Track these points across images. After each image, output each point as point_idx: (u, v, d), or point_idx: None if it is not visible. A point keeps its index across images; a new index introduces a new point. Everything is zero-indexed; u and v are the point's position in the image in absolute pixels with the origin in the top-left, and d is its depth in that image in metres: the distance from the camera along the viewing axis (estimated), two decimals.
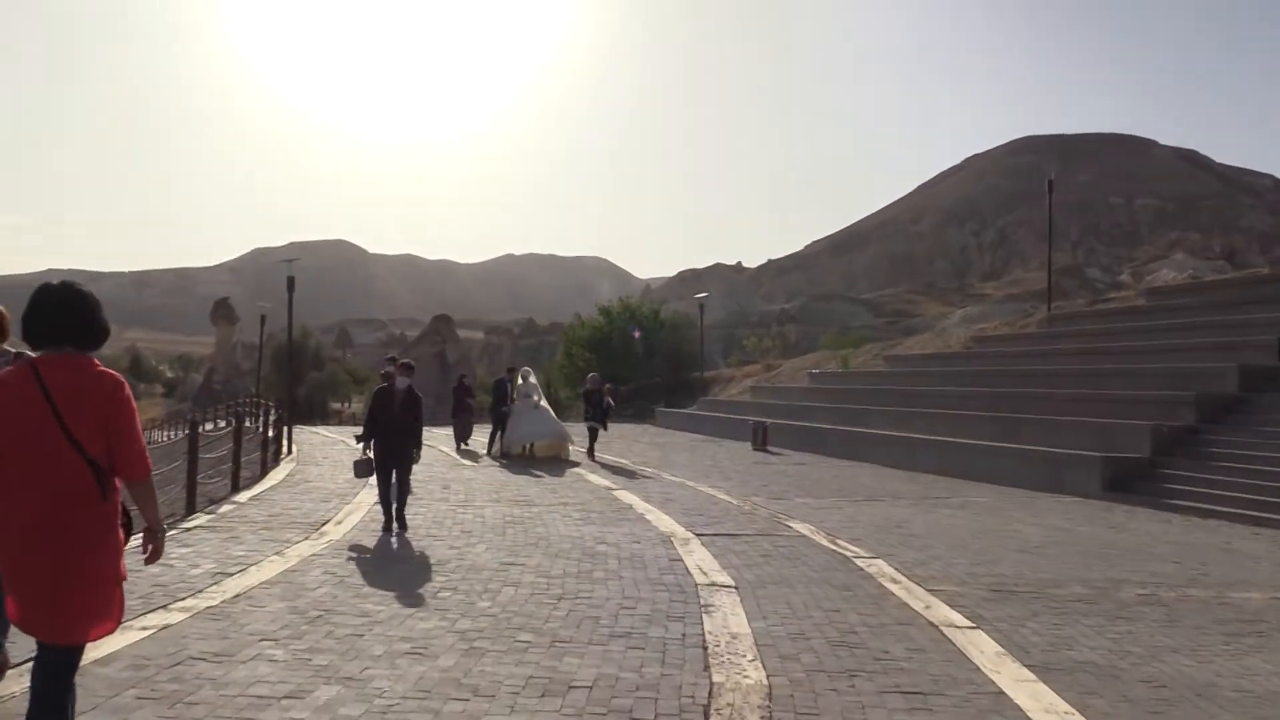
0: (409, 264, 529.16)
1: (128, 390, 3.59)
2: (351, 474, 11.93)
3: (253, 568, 8.04)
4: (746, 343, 54.81)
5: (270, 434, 18.28)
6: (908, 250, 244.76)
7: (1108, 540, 10.86)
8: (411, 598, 7.13)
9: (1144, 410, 16.96)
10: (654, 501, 13.33)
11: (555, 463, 18.72)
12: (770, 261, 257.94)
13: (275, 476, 15.49)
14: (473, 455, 20.29)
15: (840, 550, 9.60)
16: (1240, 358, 17.63)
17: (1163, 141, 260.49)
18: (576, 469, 17.68)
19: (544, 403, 20.79)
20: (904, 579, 8.19)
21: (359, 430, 11.50)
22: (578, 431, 22.10)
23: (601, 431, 20.84)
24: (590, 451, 20.25)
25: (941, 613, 7.02)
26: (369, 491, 13.20)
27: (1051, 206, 27.53)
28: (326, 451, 20.79)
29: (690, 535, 10.30)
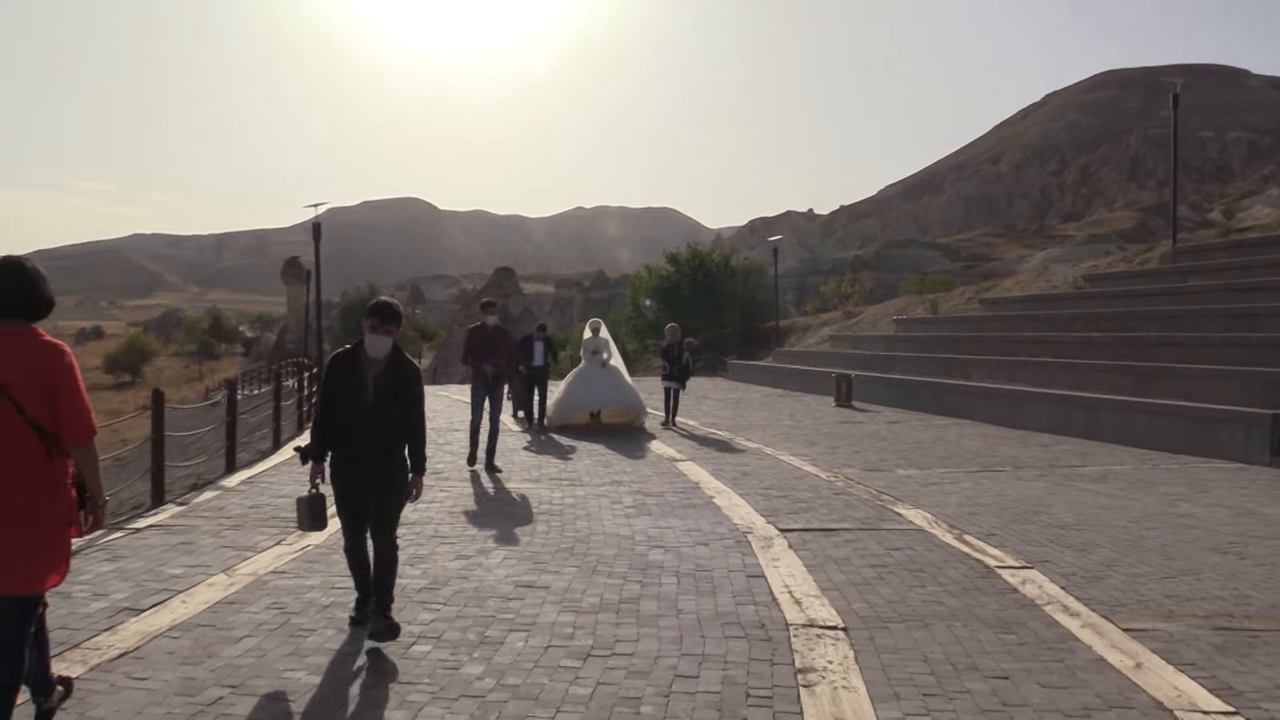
0: (480, 219, 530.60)
1: (70, 358, 3.83)
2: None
3: (177, 598, 5.93)
4: (825, 287, 51.77)
5: (292, 399, 16.40)
6: (985, 192, 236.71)
7: None
8: (368, 659, 4.95)
9: None
10: (726, 478, 11.02)
11: (620, 432, 15.79)
12: (843, 207, 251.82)
13: (285, 452, 13.49)
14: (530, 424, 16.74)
15: (975, 554, 7.19)
16: None
17: (1256, 71, 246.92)
18: (637, 435, 15.38)
19: (616, 361, 17.01)
20: (1081, 608, 5.78)
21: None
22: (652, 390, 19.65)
23: (681, 393, 17.45)
24: (668, 420, 17.06)
25: (1168, 680, 4.61)
26: None
27: (1177, 124, 24.17)
28: None
29: (773, 531, 7.98)
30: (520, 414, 17.51)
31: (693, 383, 30.30)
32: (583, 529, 8.07)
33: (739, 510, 8.95)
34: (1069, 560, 7.02)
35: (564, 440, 14.76)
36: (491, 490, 10.10)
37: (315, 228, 19.05)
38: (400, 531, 5.73)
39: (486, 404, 12.12)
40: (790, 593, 6.04)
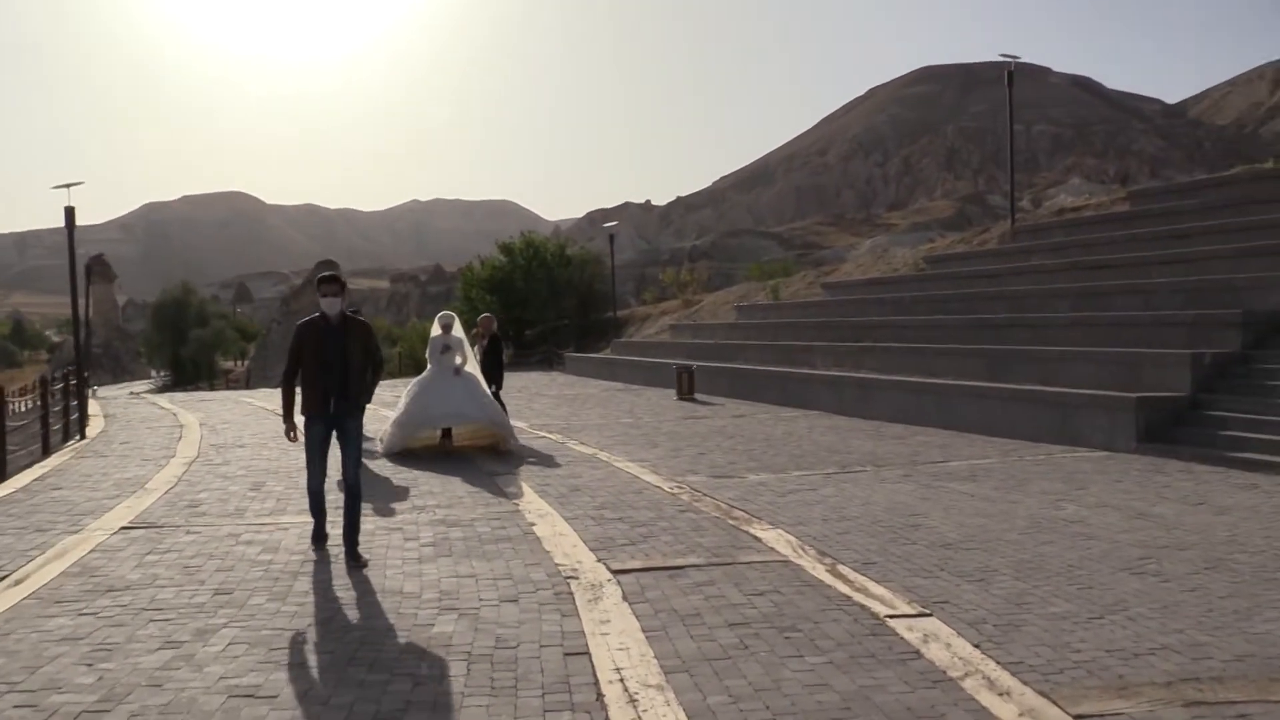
0: (310, 213, 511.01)
1: None
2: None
3: None
4: (664, 276, 50.65)
5: (51, 409, 13.79)
6: (815, 182, 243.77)
7: (1228, 529, 7.20)
8: None
9: (1168, 336, 13.47)
10: (552, 496, 9.28)
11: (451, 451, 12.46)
12: (679, 199, 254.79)
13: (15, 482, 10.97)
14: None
15: (857, 595, 5.69)
16: (1278, 265, 14.23)
17: (1057, 69, 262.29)
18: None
19: (473, 367, 13.16)
20: (1010, 681, 4.31)
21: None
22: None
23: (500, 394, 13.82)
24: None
25: None
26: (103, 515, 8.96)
27: (1012, 106, 23.82)
28: (155, 429, 16.23)
29: (603, 574, 6.29)
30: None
31: (527, 378, 28.50)
32: (356, 585, 6.17)
33: (563, 543, 7.22)
34: (971, 599, 5.60)
35: (393, 466, 11.44)
36: (243, 533, 8.03)
37: (68, 213, 16.21)
38: (103, 602, 5.90)
39: (331, 446, 7.23)
40: (623, 683, 4.35)
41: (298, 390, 7.06)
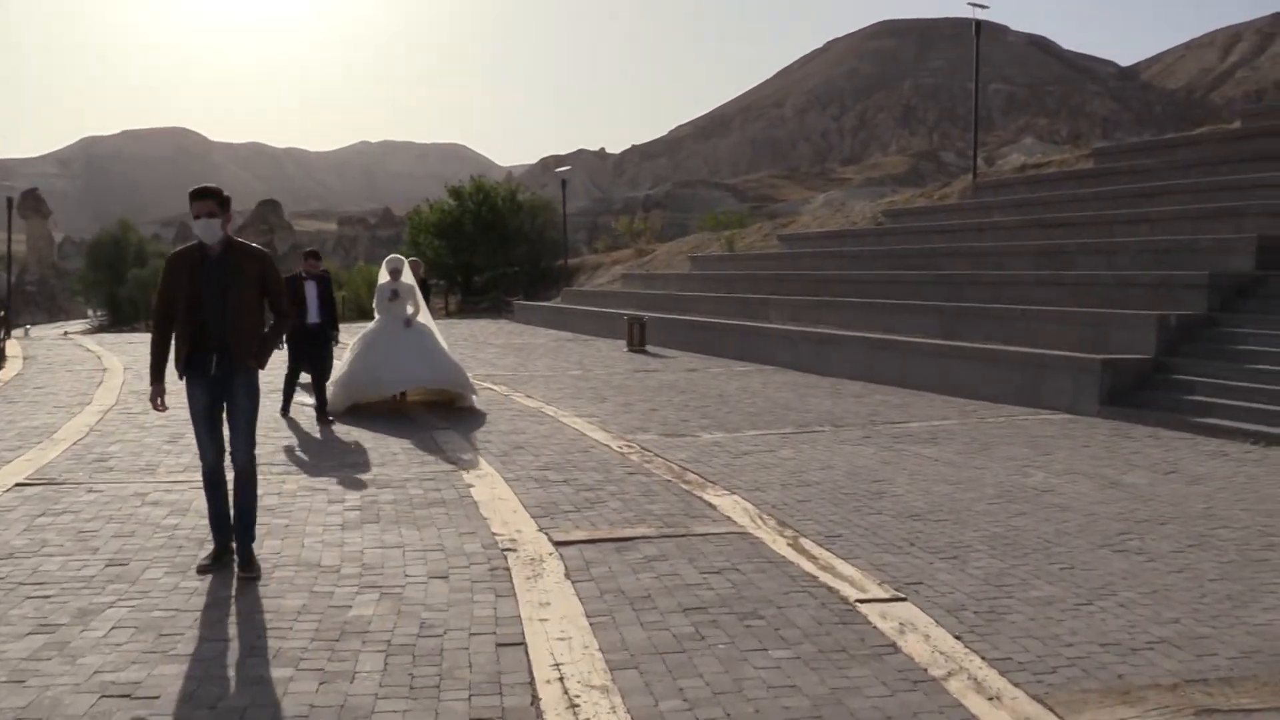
0: (256, 152, 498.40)
1: None
2: None
3: None
4: (617, 224, 49.79)
5: None
6: (771, 135, 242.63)
7: (1204, 500, 6.81)
8: None
9: (1132, 297, 13.12)
10: (493, 453, 8.69)
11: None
12: (634, 147, 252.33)
13: None
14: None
15: (824, 574, 5.18)
16: (1245, 226, 13.93)
17: (1014, 28, 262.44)
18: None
19: (426, 317, 11.76)
20: (1000, 681, 3.83)
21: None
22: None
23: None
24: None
25: None
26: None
27: (978, 56, 23.26)
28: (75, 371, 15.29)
29: (544, 546, 5.72)
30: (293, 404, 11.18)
31: (475, 326, 27.73)
32: (268, 556, 5.55)
33: (502, 508, 6.64)
34: (946, 580, 5.12)
35: (346, 425, 10.31)
36: (154, 492, 7.35)
37: None
38: None
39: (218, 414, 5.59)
40: (562, 681, 3.80)
41: (173, 344, 5.41)
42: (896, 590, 4.90)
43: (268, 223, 55.98)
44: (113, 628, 4.41)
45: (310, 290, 10.79)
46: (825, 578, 5.12)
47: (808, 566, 5.32)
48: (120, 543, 5.81)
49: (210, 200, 5.22)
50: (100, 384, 13.69)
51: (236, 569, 5.24)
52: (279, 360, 9.79)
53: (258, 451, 5.58)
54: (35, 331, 43.79)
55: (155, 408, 5.40)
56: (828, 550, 5.65)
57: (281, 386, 11.10)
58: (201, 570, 5.23)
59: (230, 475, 5.41)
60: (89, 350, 19.78)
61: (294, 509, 6.64)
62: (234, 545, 5.38)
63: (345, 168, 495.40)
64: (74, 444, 9.13)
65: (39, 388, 13.50)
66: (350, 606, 4.67)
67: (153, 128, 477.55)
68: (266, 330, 5.51)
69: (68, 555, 5.57)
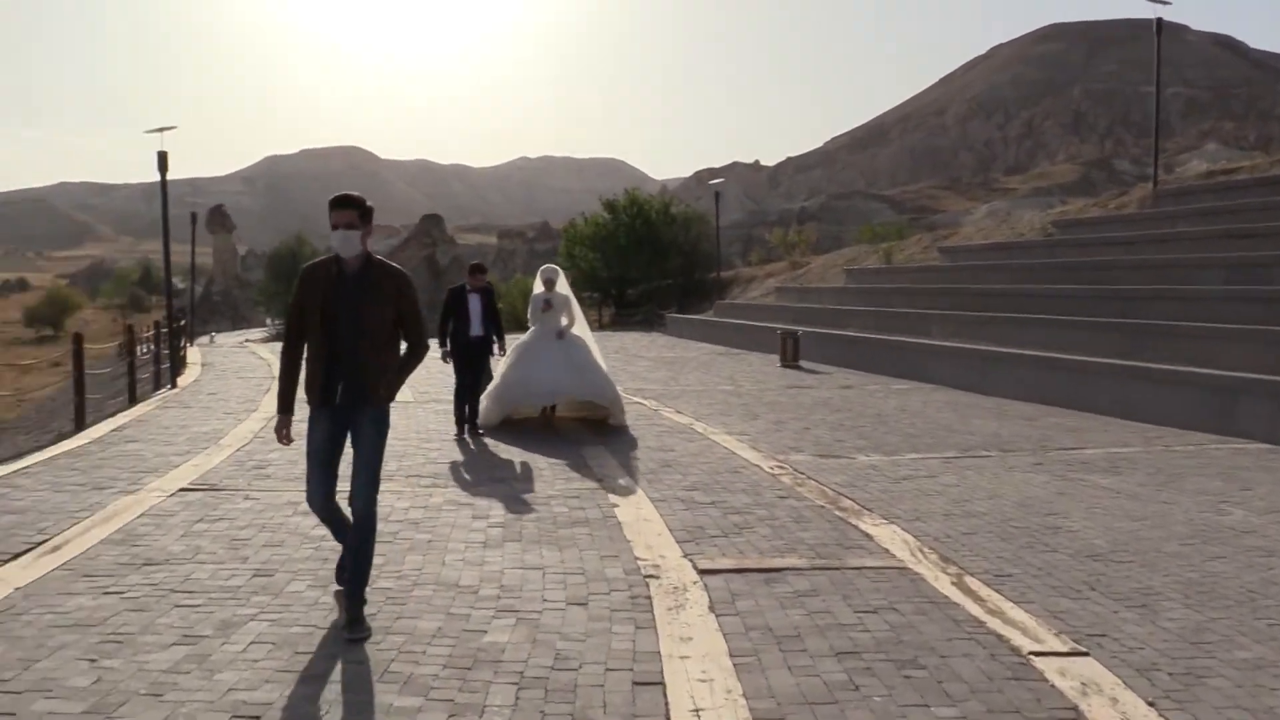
0: (422, 169, 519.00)
1: None
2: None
3: None
4: (772, 237, 49.19)
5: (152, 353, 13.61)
6: (931, 144, 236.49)
7: None
8: None
9: None
10: (641, 472, 8.49)
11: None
12: (789, 159, 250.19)
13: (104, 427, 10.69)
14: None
15: (991, 619, 4.72)
16: None
17: (1195, 27, 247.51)
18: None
19: (581, 329, 11.44)
20: None
21: None
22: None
23: None
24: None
25: None
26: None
27: (1160, 54, 21.83)
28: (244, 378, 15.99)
29: (688, 573, 5.45)
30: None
31: (627, 339, 27.75)
32: (409, 572, 5.47)
33: (647, 531, 6.41)
34: (1135, 632, 4.58)
35: (496, 439, 10.21)
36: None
37: (160, 158, 15.98)
38: (134, 579, 5.24)
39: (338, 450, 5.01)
40: None
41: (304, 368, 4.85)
42: (1076, 643, 4.41)
43: (430, 236, 57.84)
44: (252, 642, 4.38)
45: (474, 303, 10.64)
46: (994, 624, 4.67)
47: (974, 609, 4.87)
48: (269, 553, 5.86)
49: (351, 210, 4.64)
50: (268, 391, 14.21)
51: (343, 629, 4.50)
52: (442, 378, 9.65)
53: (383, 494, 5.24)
54: (219, 339, 46.51)
55: (280, 439, 4.83)
56: (996, 591, 5.17)
57: (452, 407, 10.82)
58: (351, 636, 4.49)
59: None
60: (261, 358, 20.71)
61: (438, 524, 6.59)
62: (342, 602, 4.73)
63: (506, 183, 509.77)
64: (237, 450, 9.42)
65: (212, 394, 14.12)
66: (485, 632, 4.51)
67: (328, 146, 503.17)
68: (400, 361, 4.85)
69: (219, 563, 5.63)
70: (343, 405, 4.69)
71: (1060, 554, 5.97)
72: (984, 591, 5.18)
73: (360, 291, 4.65)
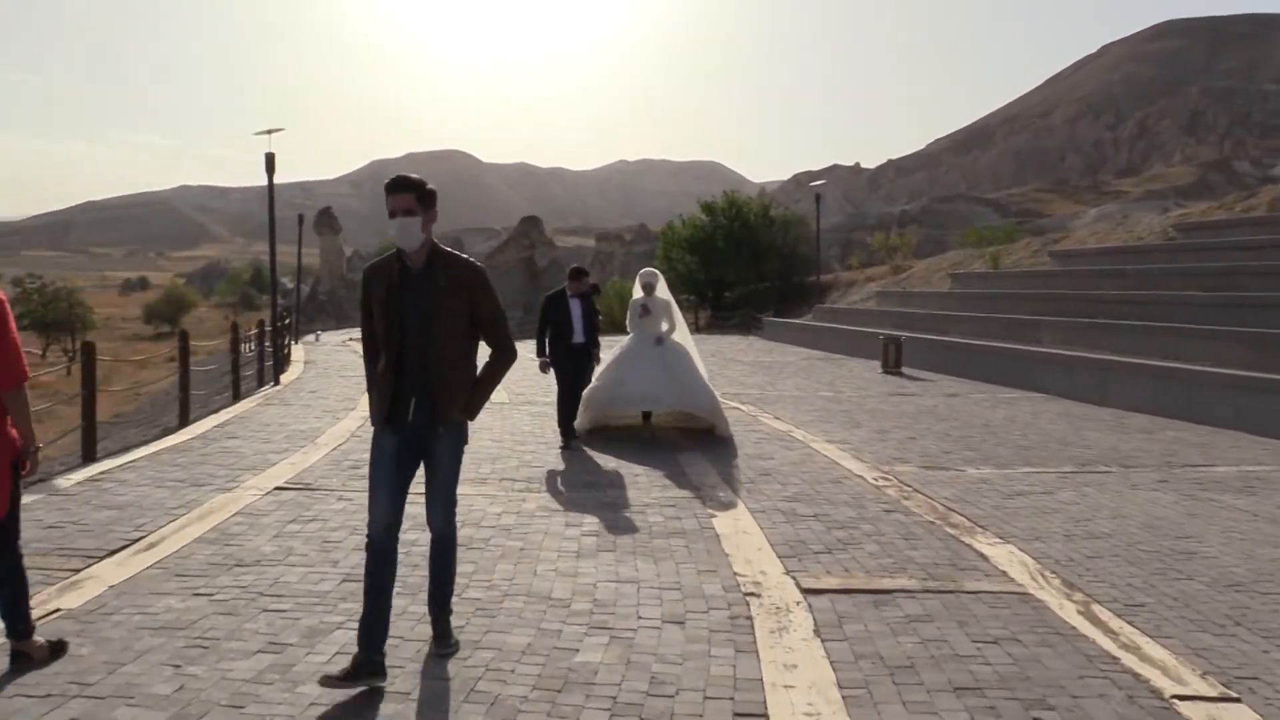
0: (523, 172, 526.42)
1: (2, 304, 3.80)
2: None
3: None
4: (873, 240, 48.35)
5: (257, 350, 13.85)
6: (1036, 146, 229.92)
7: None
8: None
9: None
10: (738, 481, 8.20)
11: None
12: (890, 161, 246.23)
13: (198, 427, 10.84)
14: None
15: (1125, 658, 4.31)
16: None
17: None
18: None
19: (682, 335, 10.95)
20: None
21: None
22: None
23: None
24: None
25: None
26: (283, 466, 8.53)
27: None
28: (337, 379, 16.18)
29: (791, 592, 5.15)
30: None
31: (724, 342, 27.45)
32: (499, 582, 5.29)
33: (746, 544, 6.12)
34: None
35: (590, 445, 9.89)
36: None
37: (268, 159, 16.28)
38: (224, 580, 5.24)
39: (408, 472, 4.37)
40: None
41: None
42: (1226, 686, 3.98)
43: (529, 238, 58.28)
44: (337, 652, 4.23)
45: (575, 308, 10.12)
46: (1129, 660, 4.26)
47: (1105, 643, 4.47)
48: (359, 556, 5.71)
49: (408, 194, 4.01)
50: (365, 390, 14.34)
51: (431, 645, 4.28)
52: (538, 379, 9.30)
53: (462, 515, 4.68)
54: (324, 337, 47.61)
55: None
56: (1129, 623, 4.75)
57: (555, 417, 10.34)
58: (326, 682, 3.82)
59: (427, 541, 4.41)
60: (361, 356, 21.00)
61: (530, 531, 6.41)
62: (430, 622, 4.40)
63: (604, 186, 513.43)
64: (334, 449, 9.43)
65: (313, 392, 14.28)
66: (577, 650, 4.29)
67: (432, 150, 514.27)
68: (481, 372, 4.23)
69: (309, 566, 5.54)
70: (415, 424, 4.10)
71: (1197, 582, 5.49)
72: (1115, 623, 4.76)
73: (427, 290, 4.05)
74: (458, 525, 4.44)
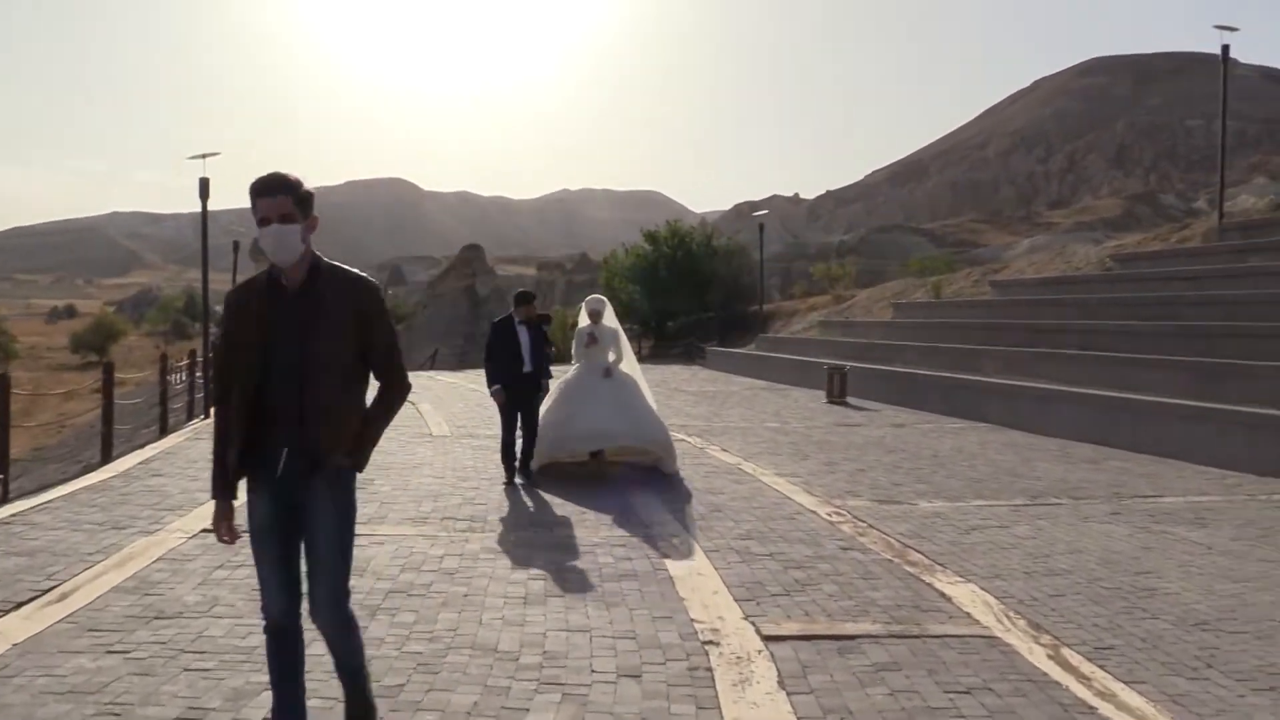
0: (464, 201, 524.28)
1: None
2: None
3: None
4: (814, 269, 48.68)
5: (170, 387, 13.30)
6: (972, 178, 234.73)
7: None
8: None
9: None
10: (690, 518, 7.95)
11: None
12: (829, 192, 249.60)
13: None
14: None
15: (1102, 707, 4.12)
16: None
17: (1244, 60, 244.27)
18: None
19: (630, 365, 10.54)
20: None
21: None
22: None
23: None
24: None
25: None
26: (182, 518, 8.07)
27: (1226, 81, 21.10)
28: None
29: (751, 640, 4.91)
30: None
31: (668, 372, 27.25)
32: (442, 633, 4.97)
33: (702, 587, 5.87)
34: None
35: (536, 481, 9.49)
36: None
37: (203, 184, 15.80)
38: (142, 635, 4.72)
39: (292, 538, 3.65)
40: None
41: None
42: None
43: (471, 267, 57.89)
44: (264, 717, 3.89)
45: (523, 336, 9.59)
46: (1107, 709, 4.08)
47: (1080, 691, 4.28)
48: None
49: (285, 196, 3.29)
50: None
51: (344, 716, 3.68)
52: (480, 410, 9.09)
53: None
54: None
55: (220, 537, 3.52)
56: (1100, 668, 4.58)
57: (499, 451, 9.74)
58: None
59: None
60: None
61: (475, 575, 6.09)
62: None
63: (546, 214, 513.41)
64: None
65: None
66: (527, 710, 3.99)
67: (372, 178, 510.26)
68: (369, 409, 3.49)
69: (237, 618, 5.17)
70: (285, 478, 3.36)
71: (1162, 621, 5.36)
72: (1086, 668, 4.59)
73: (306, 313, 3.33)
74: (396, 571, 4.13)
